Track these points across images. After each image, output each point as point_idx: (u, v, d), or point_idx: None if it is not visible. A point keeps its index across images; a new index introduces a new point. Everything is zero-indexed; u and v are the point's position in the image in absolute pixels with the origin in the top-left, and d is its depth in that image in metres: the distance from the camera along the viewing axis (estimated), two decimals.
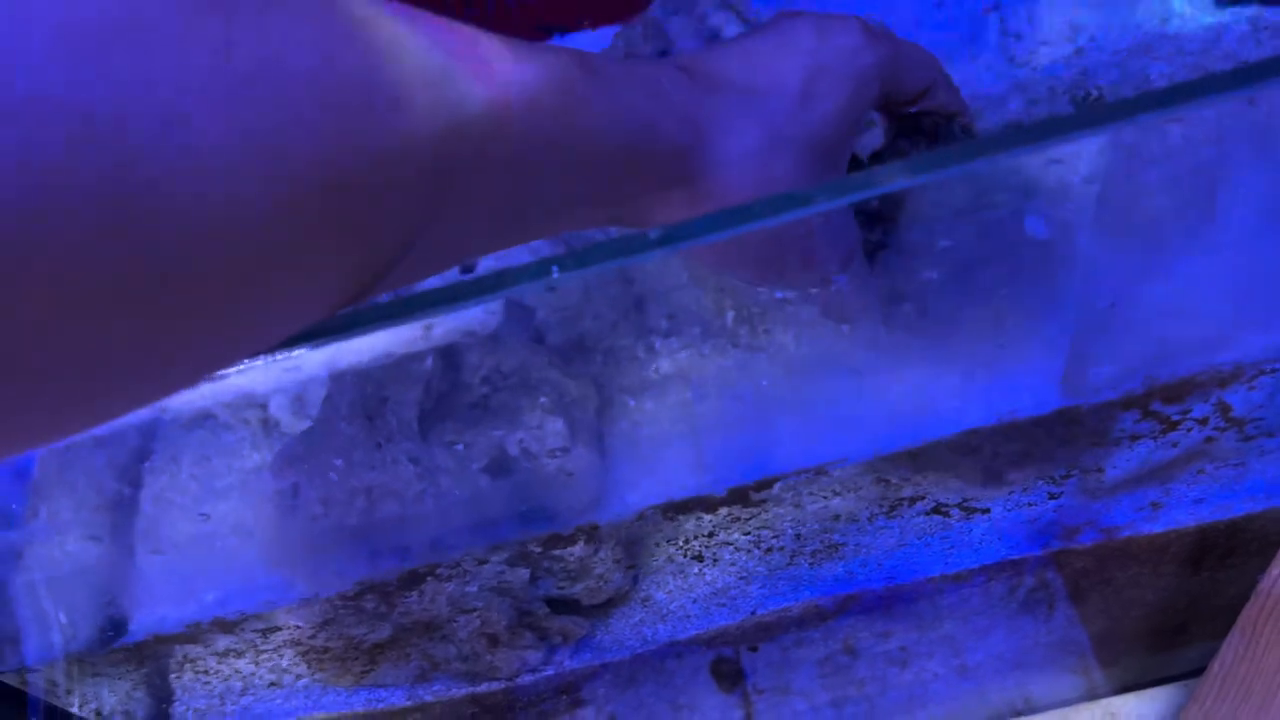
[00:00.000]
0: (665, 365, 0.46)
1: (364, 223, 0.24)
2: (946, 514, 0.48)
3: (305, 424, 0.53)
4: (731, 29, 0.59)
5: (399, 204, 0.25)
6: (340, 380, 0.52)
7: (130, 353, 0.20)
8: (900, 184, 0.32)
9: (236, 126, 0.20)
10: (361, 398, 0.52)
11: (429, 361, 0.51)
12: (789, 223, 0.34)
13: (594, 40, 0.66)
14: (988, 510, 0.48)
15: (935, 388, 0.42)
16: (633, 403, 0.48)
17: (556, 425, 0.48)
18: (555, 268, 0.33)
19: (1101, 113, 0.32)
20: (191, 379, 0.23)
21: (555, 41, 0.67)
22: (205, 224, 0.19)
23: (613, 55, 0.60)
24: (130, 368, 0.21)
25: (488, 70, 0.28)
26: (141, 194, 0.18)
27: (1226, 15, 0.62)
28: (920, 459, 0.44)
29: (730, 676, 0.65)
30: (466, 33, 0.28)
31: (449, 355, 0.52)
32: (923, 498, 0.47)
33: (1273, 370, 0.42)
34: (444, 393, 0.52)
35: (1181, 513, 0.51)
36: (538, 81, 0.29)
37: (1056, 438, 0.44)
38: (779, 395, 0.43)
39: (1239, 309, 0.40)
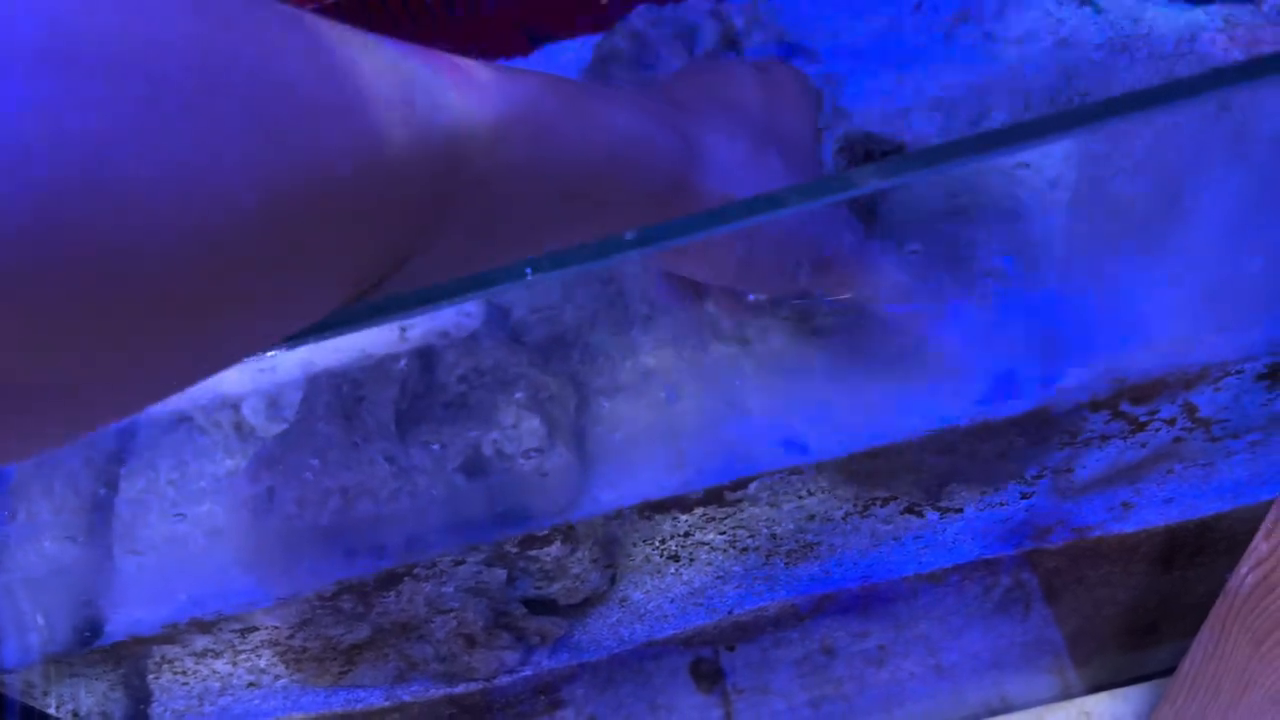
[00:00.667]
0: (642, 365, 0.47)
1: (330, 246, 0.24)
2: (920, 514, 0.49)
3: (279, 426, 0.53)
4: (712, 34, 0.59)
5: (374, 225, 0.25)
6: (316, 381, 0.52)
7: (64, 382, 0.20)
8: (876, 186, 0.33)
9: (166, 160, 0.19)
10: (338, 398, 0.52)
11: (404, 362, 0.52)
12: (765, 225, 0.35)
13: (576, 50, 0.66)
14: (960, 510, 0.49)
15: (906, 388, 0.42)
16: (609, 402, 0.48)
17: (533, 424, 0.49)
18: (529, 269, 0.34)
19: (1071, 117, 0.32)
20: (143, 401, 0.23)
21: (538, 52, 0.67)
22: (132, 263, 0.19)
23: (594, 64, 0.61)
24: (66, 395, 0.20)
25: (473, 88, 0.27)
26: (57, 233, 0.17)
27: (1200, 14, 0.63)
28: (892, 459, 0.44)
29: (709, 677, 0.65)
30: (443, 55, 0.28)
31: (425, 355, 0.52)
32: (896, 497, 0.47)
33: (1238, 371, 0.43)
34: (420, 393, 0.52)
35: (1151, 513, 0.51)
36: (528, 98, 0.29)
37: (1028, 438, 0.44)
38: (754, 395, 0.43)
39: (1204, 311, 0.41)
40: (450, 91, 0.27)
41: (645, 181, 0.34)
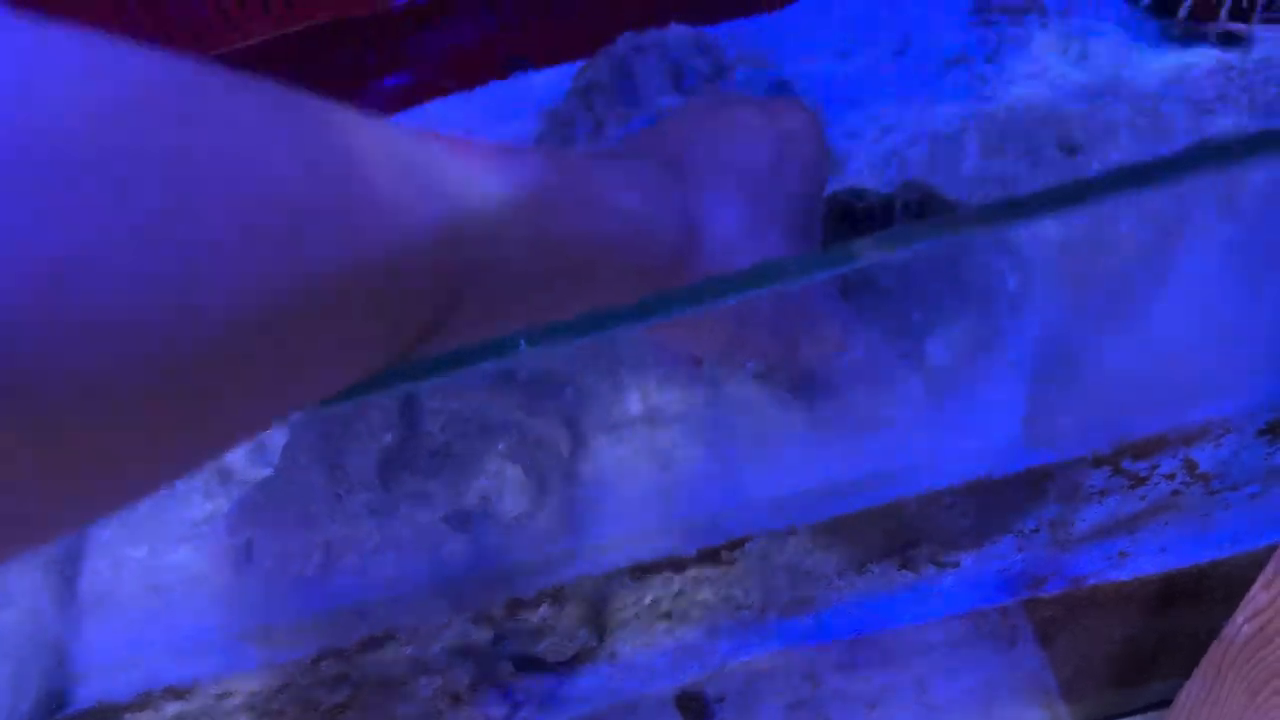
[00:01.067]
0: (636, 422, 0.45)
1: (323, 348, 0.23)
2: (916, 569, 0.48)
3: (263, 472, 0.51)
4: (701, 69, 0.58)
5: (371, 323, 0.24)
6: (299, 428, 0.51)
7: (20, 511, 0.18)
8: (881, 257, 0.32)
9: (135, 275, 0.17)
10: (321, 445, 0.51)
11: (390, 408, 0.50)
12: (764, 298, 0.34)
13: (555, 77, 0.65)
14: (957, 564, 0.48)
15: (908, 446, 0.41)
16: (599, 454, 0.47)
17: (518, 476, 0.47)
18: (523, 341, 0.33)
19: (1080, 190, 0.31)
20: (110, 509, 0.21)
21: (518, 79, 0.66)
22: (93, 389, 0.17)
23: (575, 93, 0.60)
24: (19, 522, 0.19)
25: (475, 173, 0.27)
26: (11, 364, 0.16)
27: (1189, 56, 0.62)
28: (889, 517, 0.43)
29: (696, 712, 0.64)
30: (443, 136, 0.27)
31: (410, 400, 0.50)
32: (892, 553, 0.46)
33: (1238, 428, 0.42)
34: (405, 438, 0.51)
35: (1147, 561, 0.51)
36: (531, 181, 0.28)
37: (1027, 494, 0.44)
38: (749, 453, 0.42)
39: (1206, 369, 0.40)
40: (450, 180, 0.26)
41: (644, 262, 0.33)
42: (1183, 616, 0.56)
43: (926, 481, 0.42)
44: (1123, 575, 0.51)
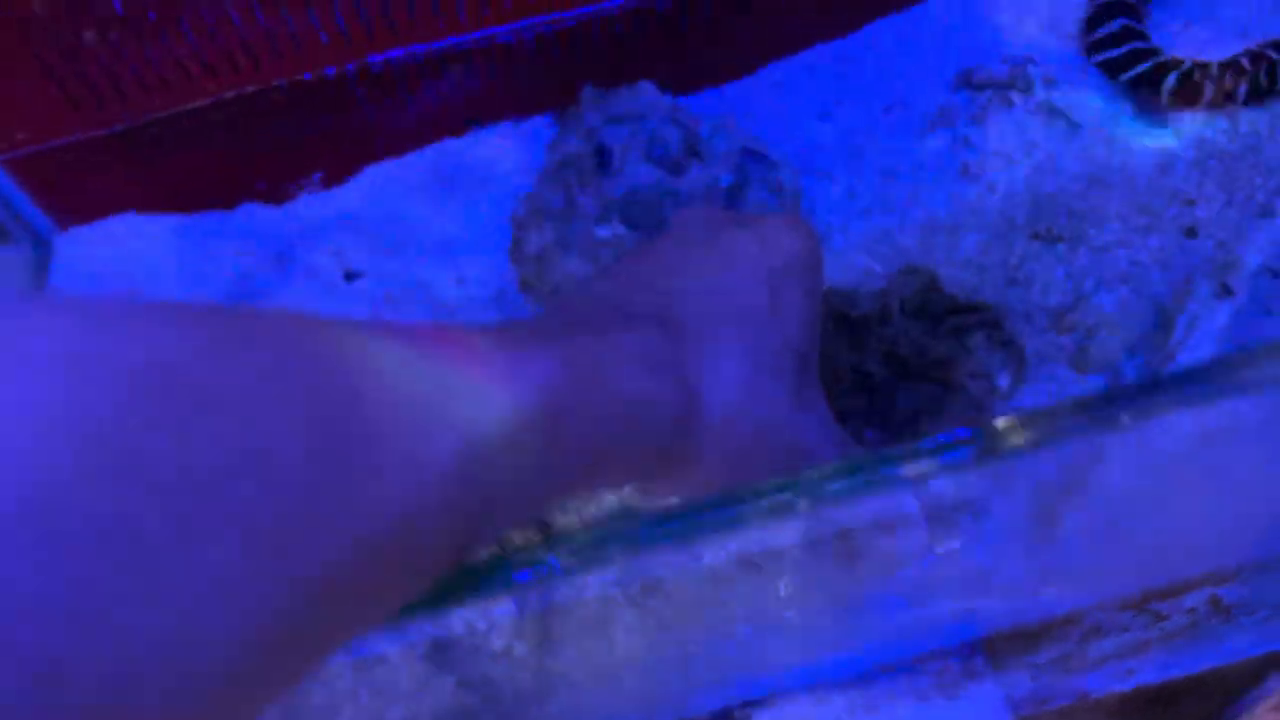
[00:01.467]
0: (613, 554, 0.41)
1: (331, 627, 0.21)
2: (925, 699, 0.45)
3: None
4: (675, 142, 0.54)
5: (393, 580, 0.23)
6: None
7: None
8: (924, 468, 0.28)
9: (135, 640, 0.16)
10: None
11: None
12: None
13: (523, 135, 0.60)
14: (960, 695, 0.46)
15: (928, 605, 0.38)
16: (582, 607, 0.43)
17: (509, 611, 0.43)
18: (554, 559, 0.29)
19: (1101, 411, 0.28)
20: None
21: (478, 134, 0.61)
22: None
23: (549, 167, 0.55)
24: None
25: (486, 391, 0.26)
26: None
27: (1173, 139, 0.60)
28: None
29: None
30: (448, 342, 0.26)
31: None
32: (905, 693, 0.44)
33: (1273, 567, 0.40)
34: None
35: (1152, 674, 0.49)
36: (541, 387, 0.27)
37: (1048, 637, 0.41)
38: (757, 616, 0.39)
39: (1249, 517, 0.38)
40: (460, 402, 0.25)
41: (649, 441, 0.33)
42: (1175, 716, 0.55)
43: (944, 641, 0.39)
44: (1125, 688, 0.49)
